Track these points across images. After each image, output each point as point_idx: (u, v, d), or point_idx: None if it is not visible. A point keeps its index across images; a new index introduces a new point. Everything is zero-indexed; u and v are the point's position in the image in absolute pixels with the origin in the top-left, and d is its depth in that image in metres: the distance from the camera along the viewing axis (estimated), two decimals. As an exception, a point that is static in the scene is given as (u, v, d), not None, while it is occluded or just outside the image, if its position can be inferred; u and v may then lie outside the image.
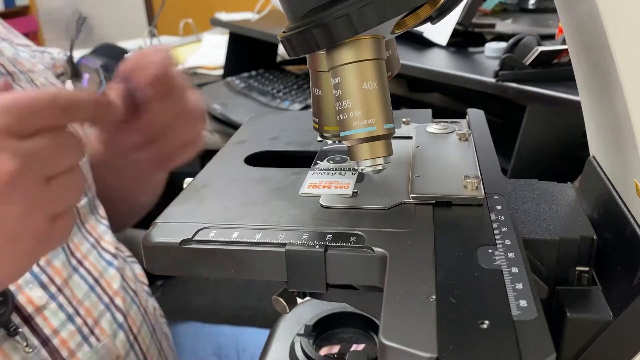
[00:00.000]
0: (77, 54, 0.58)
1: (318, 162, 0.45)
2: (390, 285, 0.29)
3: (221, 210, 0.38)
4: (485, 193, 0.37)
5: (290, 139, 0.51)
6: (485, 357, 0.24)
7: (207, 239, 0.35)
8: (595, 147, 0.43)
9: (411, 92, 1.24)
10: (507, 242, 0.32)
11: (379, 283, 0.32)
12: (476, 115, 0.53)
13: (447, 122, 0.50)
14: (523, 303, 0.27)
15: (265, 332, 0.53)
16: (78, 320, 0.55)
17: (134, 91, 0.56)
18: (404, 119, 0.51)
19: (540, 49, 0.79)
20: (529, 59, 0.80)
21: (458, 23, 1.04)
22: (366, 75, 0.34)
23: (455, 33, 1.05)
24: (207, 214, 0.38)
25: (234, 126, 1.15)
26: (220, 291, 1.06)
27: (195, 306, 1.02)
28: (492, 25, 1.10)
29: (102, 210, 0.69)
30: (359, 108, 0.34)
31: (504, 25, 1.15)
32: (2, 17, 0.73)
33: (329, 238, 0.34)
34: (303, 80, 1.29)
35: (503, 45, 0.94)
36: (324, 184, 0.41)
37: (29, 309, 0.52)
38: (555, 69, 0.81)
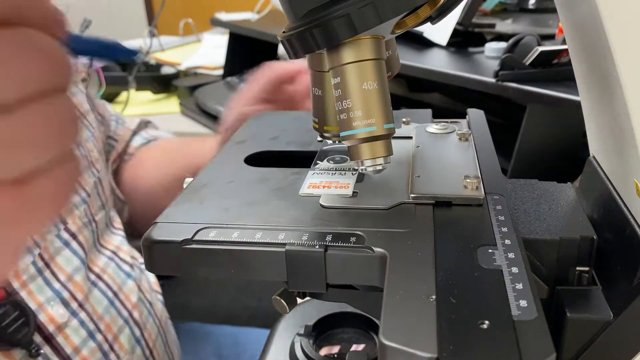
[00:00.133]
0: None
1: (318, 162, 0.45)
2: (390, 285, 0.29)
3: (221, 210, 0.38)
4: (485, 193, 0.37)
5: (290, 139, 0.51)
6: (485, 357, 0.24)
7: (207, 239, 0.35)
8: (595, 147, 0.43)
9: (411, 92, 1.23)
10: (507, 242, 0.32)
11: (378, 283, 0.32)
12: (476, 115, 0.53)
13: (447, 122, 0.50)
14: (523, 303, 0.27)
15: (265, 332, 0.53)
16: (99, 337, 0.54)
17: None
18: (404, 119, 0.51)
19: (540, 49, 0.79)
20: (529, 59, 0.80)
21: (458, 23, 1.04)
22: (366, 75, 0.34)
23: (455, 33, 1.05)
24: (207, 214, 0.38)
25: (234, 126, 1.14)
26: (220, 291, 1.06)
27: (195, 306, 1.02)
28: (492, 25, 1.10)
29: (116, 222, 0.68)
30: (359, 108, 0.34)
31: (504, 25, 1.15)
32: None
33: (329, 238, 0.34)
34: (303, 80, 1.29)
35: (503, 45, 0.94)
36: (324, 184, 0.41)
37: (50, 328, 0.50)
38: (555, 69, 0.81)
